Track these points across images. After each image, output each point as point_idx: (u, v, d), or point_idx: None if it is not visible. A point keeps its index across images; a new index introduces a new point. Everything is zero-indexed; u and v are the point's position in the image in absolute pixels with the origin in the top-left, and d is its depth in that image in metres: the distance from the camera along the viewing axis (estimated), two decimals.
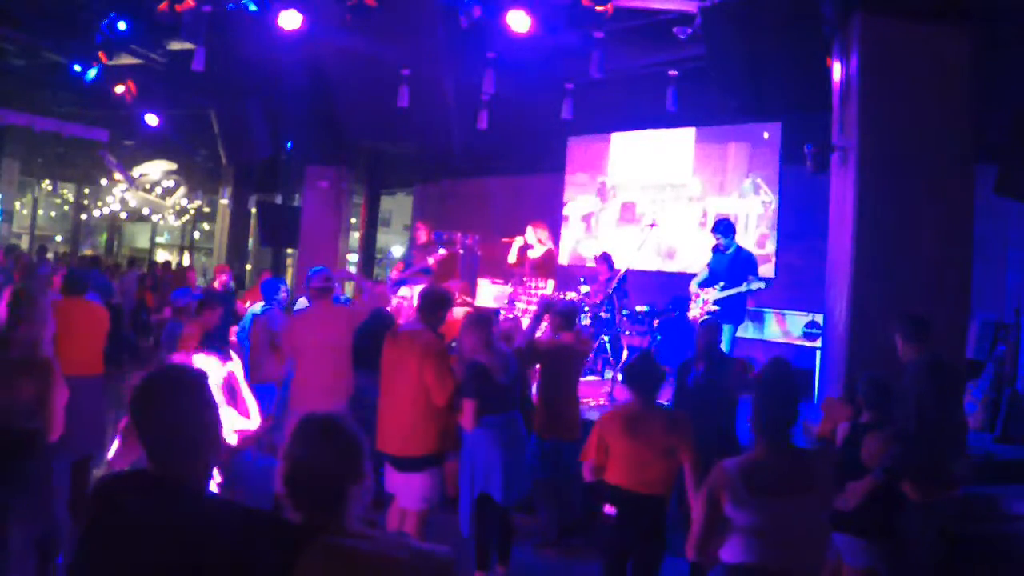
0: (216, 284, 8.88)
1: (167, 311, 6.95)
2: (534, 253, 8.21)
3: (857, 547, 3.66)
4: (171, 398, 1.77)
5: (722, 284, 6.86)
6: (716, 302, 6.84)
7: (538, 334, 5.61)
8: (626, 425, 3.73)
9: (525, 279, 8.13)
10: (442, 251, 8.67)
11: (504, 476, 4.42)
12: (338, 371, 5.08)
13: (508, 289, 8.69)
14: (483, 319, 4.68)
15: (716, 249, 7.21)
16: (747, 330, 8.35)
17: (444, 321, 4.65)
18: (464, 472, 4.51)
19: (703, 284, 7.14)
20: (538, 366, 5.30)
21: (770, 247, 9.25)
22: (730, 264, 6.98)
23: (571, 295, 7.99)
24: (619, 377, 7.58)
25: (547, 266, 8.13)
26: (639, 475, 3.64)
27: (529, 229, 8.27)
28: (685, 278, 7.79)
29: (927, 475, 3.70)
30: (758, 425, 2.83)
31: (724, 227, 7.15)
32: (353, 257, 15.78)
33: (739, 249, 7.14)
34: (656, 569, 3.77)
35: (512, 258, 8.31)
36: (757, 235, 9.38)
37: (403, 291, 7.91)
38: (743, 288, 6.70)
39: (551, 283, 8.03)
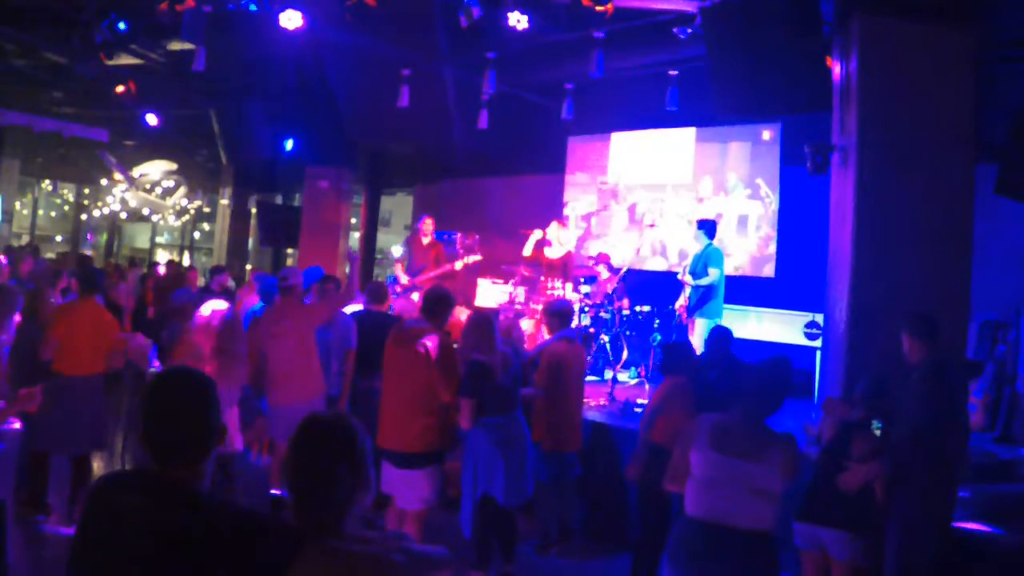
0: (213, 285, 8.83)
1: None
2: (552, 252, 8.07)
3: (842, 540, 3.70)
4: (175, 399, 1.79)
5: (687, 272, 7.42)
6: (692, 298, 7.22)
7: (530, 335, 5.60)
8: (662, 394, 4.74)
9: (542, 278, 8.03)
10: (477, 257, 8.41)
11: (506, 478, 4.41)
12: (304, 368, 5.11)
13: (508, 288, 8.64)
14: (485, 319, 4.68)
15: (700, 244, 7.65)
16: (747, 330, 8.35)
17: (448, 319, 4.65)
18: (466, 473, 4.51)
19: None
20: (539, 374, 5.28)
21: (771, 247, 9.25)
22: (694, 262, 7.38)
23: (573, 296, 7.98)
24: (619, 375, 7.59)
25: (564, 268, 8.01)
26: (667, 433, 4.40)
27: (553, 225, 8.10)
28: None
29: (931, 474, 3.72)
30: (740, 396, 3.23)
31: (703, 225, 7.57)
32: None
33: (707, 246, 7.42)
34: None
35: (527, 251, 8.16)
36: (758, 235, 9.38)
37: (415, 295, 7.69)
38: (693, 280, 7.21)
39: (569, 285, 7.94)
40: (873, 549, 3.74)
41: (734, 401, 3.28)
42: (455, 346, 4.62)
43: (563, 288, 7.82)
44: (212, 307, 4.67)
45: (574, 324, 7.73)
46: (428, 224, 8.57)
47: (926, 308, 4.75)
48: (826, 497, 3.76)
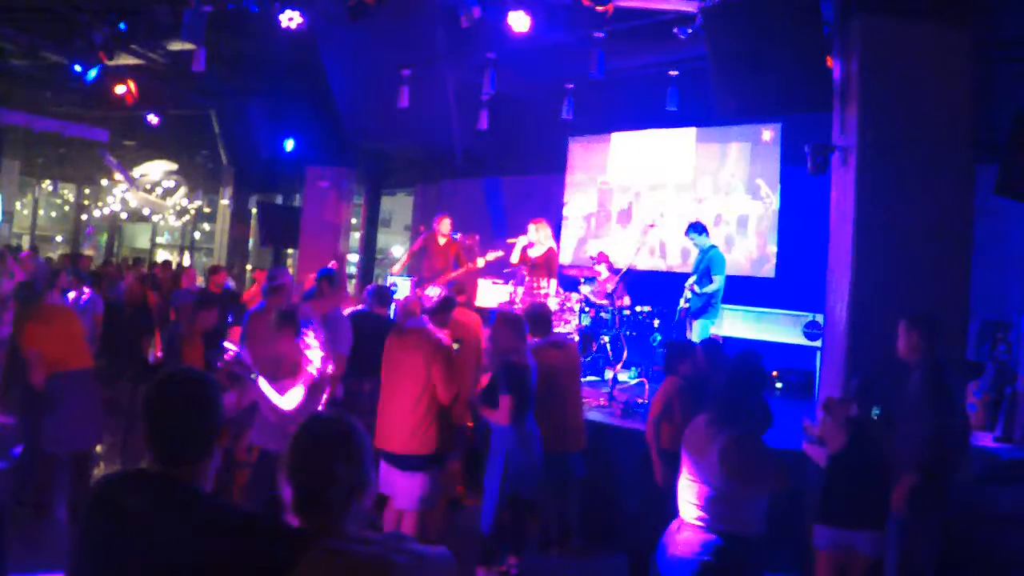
0: (211, 286, 8.78)
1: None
2: (535, 252, 8.08)
3: (873, 538, 3.78)
4: (178, 400, 1.79)
5: (694, 279, 7.44)
6: (687, 299, 7.35)
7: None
8: None
9: (526, 278, 8.03)
10: (499, 253, 8.29)
11: (534, 478, 4.49)
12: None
13: (509, 288, 8.63)
14: (518, 318, 4.68)
15: (698, 248, 7.71)
16: (748, 330, 8.36)
17: (449, 320, 4.64)
18: (495, 471, 4.50)
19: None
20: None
21: (771, 247, 9.25)
22: (697, 264, 7.48)
23: (574, 296, 7.98)
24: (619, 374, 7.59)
25: (548, 265, 8.00)
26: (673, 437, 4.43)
27: (531, 227, 8.11)
28: (684, 278, 7.80)
29: (932, 474, 3.73)
30: (712, 397, 3.36)
31: (691, 228, 7.63)
32: (353, 257, 15.79)
33: (709, 249, 7.49)
34: None
35: (515, 258, 8.18)
36: (757, 236, 9.38)
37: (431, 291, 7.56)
38: (696, 284, 7.29)
39: (553, 283, 7.94)
40: (885, 544, 3.82)
41: (708, 400, 3.40)
42: (456, 346, 4.62)
43: (548, 286, 7.82)
44: None
45: (574, 324, 7.77)
46: (445, 224, 8.49)
47: (926, 308, 4.75)
48: (855, 499, 3.81)
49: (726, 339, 8.03)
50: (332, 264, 9.22)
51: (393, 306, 6.74)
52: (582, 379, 5.65)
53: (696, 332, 7.27)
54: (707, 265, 7.29)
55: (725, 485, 3.10)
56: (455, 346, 4.68)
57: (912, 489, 3.67)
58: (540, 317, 5.30)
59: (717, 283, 7.18)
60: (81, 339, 5.44)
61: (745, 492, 3.13)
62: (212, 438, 1.81)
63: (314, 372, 4.26)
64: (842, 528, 3.82)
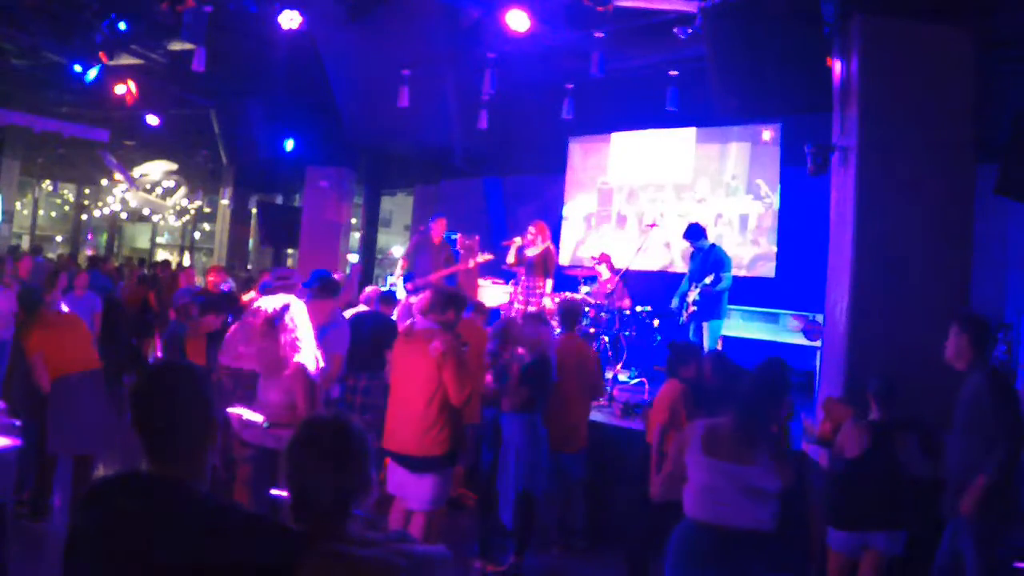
0: (209, 286, 8.74)
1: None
2: (532, 251, 8.11)
3: (892, 537, 3.80)
4: (169, 395, 1.74)
5: (711, 278, 7.26)
6: (695, 301, 7.23)
7: None
8: None
9: (522, 278, 8.05)
10: (489, 256, 8.33)
11: (542, 475, 4.55)
12: None
13: (508, 288, 8.66)
14: (544, 315, 4.73)
15: (696, 249, 7.61)
16: (748, 330, 8.36)
17: (459, 321, 4.62)
18: (507, 468, 4.51)
19: (688, 283, 7.55)
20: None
21: (771, 247, 9.25)
22: (702, 263, 7.37)
23: (575, 296, 7.97)
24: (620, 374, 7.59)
25: (544, 264, 8.01)
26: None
27: (530, 228, 8.19)
28: (684, 278, 7.80)
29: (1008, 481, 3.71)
30: (738, 402, 3.27)
31: (691, 231, 7.56)
32: (353, 257, 15.79)
33: (712, 247, 7.47)
34: None
35: (510, 259, 8.21)
36: (758, 236, 9.38)
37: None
38: (709, 285, 7.13)
39: (549, 283, 7.95)
40: (908, 539, 3.85)
41: (730, 405, 3.31)
42: (464, 347, 4.61)
43: (545, 286, 7.83)
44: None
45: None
46: (441, 225, 8.57)
47: (926, 308, 4.75)
48: (874, 502, 3.82)
49: (726, 339, 8.03)
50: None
51: (397, 307, 6.75)
52: (590, 378, 5.60)
53: (708, 334, 7.22)
54: (714, 264, 7.24)
55: (770, 486, 3.10)
56: (465, 347, 4.67)
57: (984, 492, 3.59)
58: (569, 313, 5.40)
59: (726, 280, 7.15)
60: (88, 341, 5.43)
61: (776, 492, 3.14)
62: (203, 431, 1.75)
63: (306, 370, 4.22)
64: (861, 530, 3.85)
